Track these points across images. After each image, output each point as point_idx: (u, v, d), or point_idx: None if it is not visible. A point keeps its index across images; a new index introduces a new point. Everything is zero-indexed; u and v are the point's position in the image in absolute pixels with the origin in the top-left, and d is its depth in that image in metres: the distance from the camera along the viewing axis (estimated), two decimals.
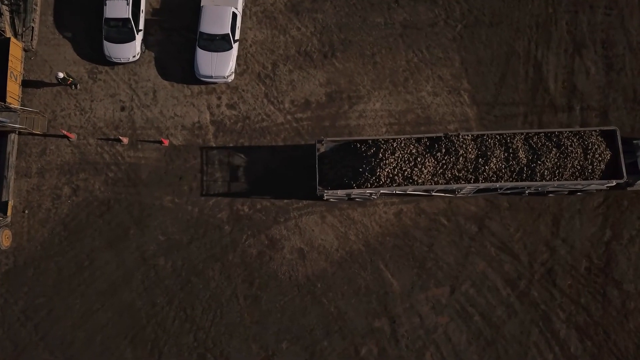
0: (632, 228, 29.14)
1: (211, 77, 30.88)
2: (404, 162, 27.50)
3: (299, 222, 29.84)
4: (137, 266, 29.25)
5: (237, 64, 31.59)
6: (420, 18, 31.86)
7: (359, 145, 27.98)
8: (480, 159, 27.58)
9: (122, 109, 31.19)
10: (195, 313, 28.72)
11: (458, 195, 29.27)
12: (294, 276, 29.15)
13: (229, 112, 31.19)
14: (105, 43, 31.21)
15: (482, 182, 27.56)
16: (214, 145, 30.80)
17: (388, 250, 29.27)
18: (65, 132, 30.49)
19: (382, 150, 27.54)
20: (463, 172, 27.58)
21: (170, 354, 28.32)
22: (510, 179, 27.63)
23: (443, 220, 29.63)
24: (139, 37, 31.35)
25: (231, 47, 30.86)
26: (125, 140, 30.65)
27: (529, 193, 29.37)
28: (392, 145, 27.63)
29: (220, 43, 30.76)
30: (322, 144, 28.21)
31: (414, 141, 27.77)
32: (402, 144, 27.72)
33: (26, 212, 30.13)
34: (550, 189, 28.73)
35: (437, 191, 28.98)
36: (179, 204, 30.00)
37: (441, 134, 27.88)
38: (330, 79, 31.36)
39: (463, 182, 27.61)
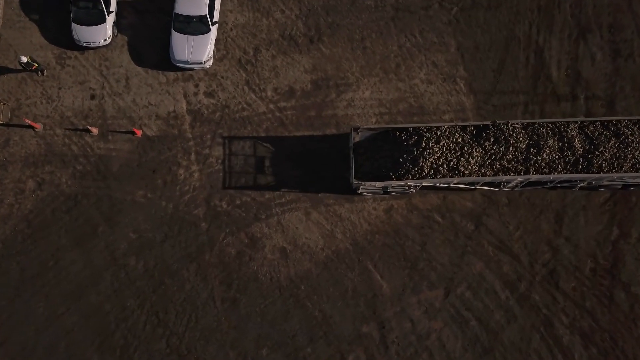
0: None
1: (187, 62, 29.24)
2: (449, 151, 26.29)
3: (282, 219, 28.43)
4: (106, 266, 27.88)
5: (217, 48, 30.09)
6: (414, 0, 30.50)
7: (398, 134, 26.65)
8: (532, 149, 26.37)
9: (92, 97, 29.67)
10: (169, 317, 27.40)
11: (504, 189, 28.14)
12: (276, 277, 27.83)
13: (207, 101, 29.67)
14: (74, 25, 29.49)
15: (533, 174, 26.24)
16: (191, 135, 29.26)
17: (377, 249, 28.02)
18: (30, 122, 28.89)
19: (425, 138, 26.25)
20: (513, 163, 26.42)
21: None
22: (565, 170, 26.39)
23: (437, 217, 28.40)
24: (110, 19, 29.69)
25: (209, 30, 29.23)
26: (94, 130, 29.15)
27: (580, 187, 28.14)
28: (436, 133, 26.40)
29: (197, 25, 29.06)
30: (358, 133, 26.88)
31: (459, 129, 26.59)
32: (447, 132, 26.47)
33: None
34: (605, 183, 27.51)
35: (482, 184, 27.71)
36: (152, 199, 28.56)
37: (489, 122, 26.67)
38: (316, 65, 29.98)
39: (512, 173, 26.34)
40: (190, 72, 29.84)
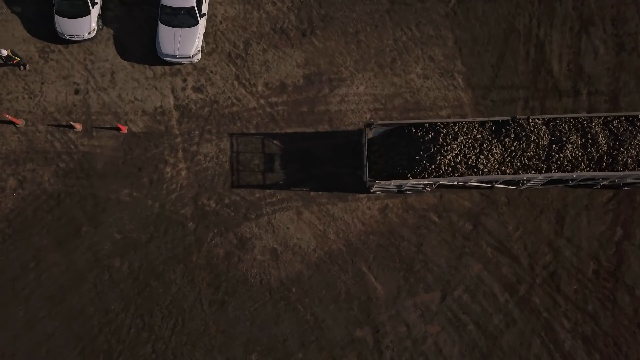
0: None
1: (175, 56, 28.33)
2: (468, 148, 25.56)
3: (272, 218, 27.60)
4: (89, 268, 27.02)
5: (206, 42, 29.27)
6: None
7: (414, 130, 25.87)
8: (554, 146, 25.64)
9: (76, 92, 28.83)
10: (154, 321, 26.55)
11: (523, 188, 27.42)
12: (266, 280, 27.01)
13: (195, 96, 28.85)
14: (57, 18, 28.62)
15: (555, 172, 25.63)
16: (178, 132, 28.40)
17: (372, 250, 27.28)
18: (11, 118, 28.05)
19: (442, 135, 25.51)
20: (534, 160, 25.73)
21: None
22: (588, 168, 25.65)
23: (434, 217, 27.64)
24: (95, 11, 28.81)
25: (197, 23, 28.31)
26: (78, 126, 28.29)
27: (602, 186, 27.48)
28: (454, 129, 25.70)
29: (184, 18, 28.14)
30: (371, 129, 26.18)
31: (477, 125, 25.91)
32: (465, 128, 25.77)
33: None
34: (629, 181, 26.82)
35: (501, 183, 27.00)
36: (138, 198, 27.73)
37: (508, 117, 25.93)
38: (308, 60, 29.18)
39: (533, 171, 25.69)
40: (178, 66, 29.02)
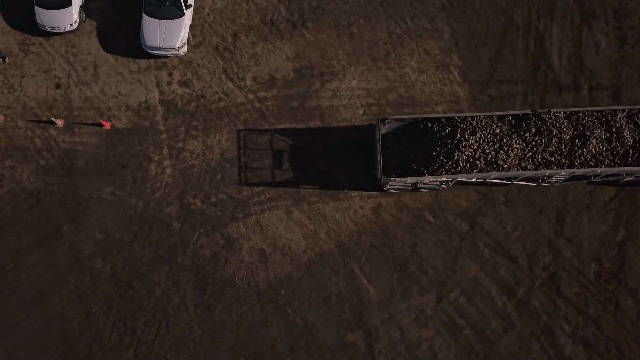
0: None
1: (159, 48, 27.49)
2: (487, 143, 25.02)
3: (261, 218, 26.85)
4: (69, 269, 26.30)
5: (192, 34, 28.46)
6: None
7: (429, 125, 25.34)
8: (577, 140, 25.08)
9: (58, 86, 28.02)
10: (137, 324, 25.84)
11: (543, 184, 26.91)
12: (254, 282, 26.33)
13: (182, 91, 28.07)
14: (37, 9, 27.72)
15: (578, 168, 25.12)
16: (163, 128, 27.63)
17: (364, 251, 26.65)
18: None
19: (460, 129, 24.97)
20: (556, 155, 25.20)
21: None
22: (613, 163, 25.10)
23: (429, 217, 27.03)
24: (77, 2, 27.87)
25: (183, 14, 27.43)
26: (59, 122, 27.49)
27: (625, 182, 26.94)
28: (472, 123, 25.18)
29: (169, 9, 27.33)
30: (385, 124, 25.53)
31: (496, 119, 25.38)
32: (483, 123, 25.25)
33: None
34: None
35: (521, 179, 26.46)
36: (121, 197, 26.96)
37: (528, 111, 25.36)
38: (299, 53, 28.43)
39: (555, 167, 25.17)
40: (163, 59, 28.20)
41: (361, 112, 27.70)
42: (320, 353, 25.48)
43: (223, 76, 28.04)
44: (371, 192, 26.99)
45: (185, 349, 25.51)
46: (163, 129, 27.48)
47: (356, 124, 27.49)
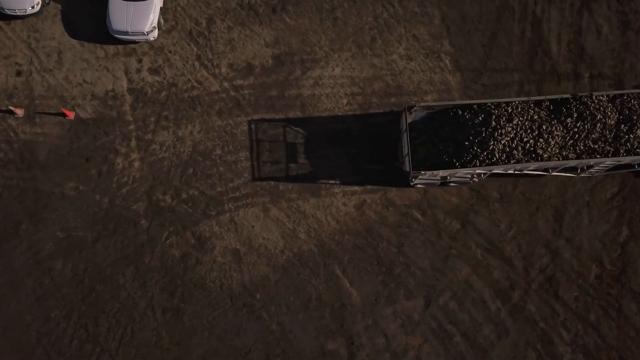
0: None
1: (127, 33, 26.24)
2: (525, 131, 23.97)
3: (235, 216, 25.81)
4: (27, 271, 25.28)
5: (164, 18, 27.46)
6: None
7: (460, 112, 24.30)
8: (623, 126, 24.25)
9: (18, 73, 26.92)
10: (100, 330, 24.85)
11: (581, 175, 25.91)
12: (227, 284, 25.38)
13: (152, 79, 26.98)
14: None
15: (624, 155, 24.36)
16: (132, 118, 26.52)
17: (347, 251, 25.81)
18: None
19: (494, 116, 23.91)
20: (599, 143, 24.34)
21: None
22: None
23: (417, 215, 26.18)
24: None
25: None
26: (19, 112, 26.41)
27: None
28: (507, 110, 24.15)
29: None
30: (412, 113, 24.44)
31: (532, 105, 24.42)
32: (519, 109, 24.21)
33: None
34: None
35: (560, 170, 25.51)
36: (85, 193, 25.91)
37: (568, 95, 24.46)
38: (278, 38, 27.48)
39: (599, 155, 24.33)
40: (132, 45, 27.10)
41: (345, 101, 26.77)
42: None
43: (197, 63, 26.97)
44: (355, 188, 26.10)
45: (152, 357, 24.55)
46: (131, 119, 26.41)
47: (339, 114, 26.59)
